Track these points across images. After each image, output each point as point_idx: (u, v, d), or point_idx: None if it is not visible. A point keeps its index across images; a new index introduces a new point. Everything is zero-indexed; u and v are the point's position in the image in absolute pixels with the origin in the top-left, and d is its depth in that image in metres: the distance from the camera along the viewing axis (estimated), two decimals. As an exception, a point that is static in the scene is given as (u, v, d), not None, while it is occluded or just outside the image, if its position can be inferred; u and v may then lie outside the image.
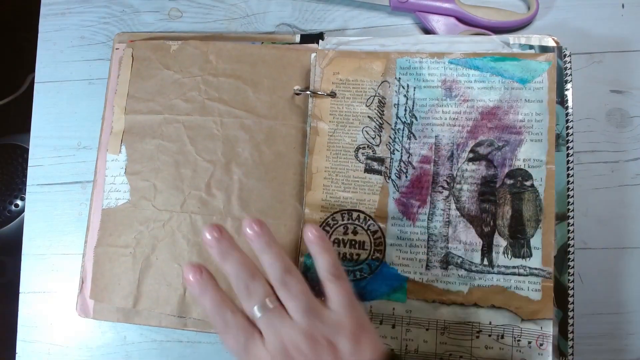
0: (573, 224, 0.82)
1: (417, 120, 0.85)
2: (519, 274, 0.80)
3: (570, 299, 0.81)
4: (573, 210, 0.82)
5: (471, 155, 0.83)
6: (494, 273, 0.81)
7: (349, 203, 0.86)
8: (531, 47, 0.85)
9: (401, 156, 0.85)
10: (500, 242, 0.81)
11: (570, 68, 0.85)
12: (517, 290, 0.80)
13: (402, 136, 0.85)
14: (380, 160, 0.85)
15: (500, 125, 0.82)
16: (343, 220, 0.86)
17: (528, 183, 0.81)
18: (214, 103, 0.93)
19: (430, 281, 0.82)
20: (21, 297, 0.99)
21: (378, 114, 0.86)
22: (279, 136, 0.91)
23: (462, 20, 0.94)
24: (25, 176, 1.03)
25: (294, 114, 0.91)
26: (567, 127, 0.84)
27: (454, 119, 0.84)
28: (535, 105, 0.82)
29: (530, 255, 0.80)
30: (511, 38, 0.86)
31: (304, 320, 0.68)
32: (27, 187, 1.02)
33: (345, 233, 0.85)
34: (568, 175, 0.83)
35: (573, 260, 0.81)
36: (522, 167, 0.81)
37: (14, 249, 1.07)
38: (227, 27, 1.03)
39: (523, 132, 0.82)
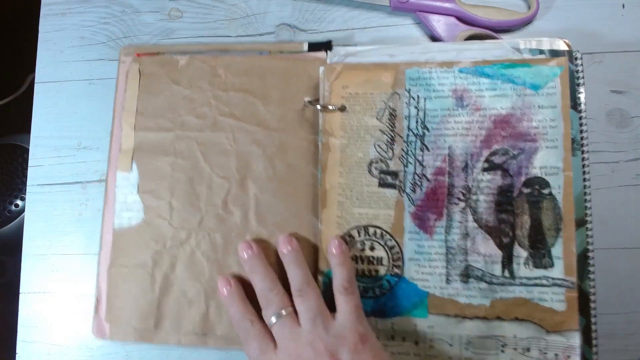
0: (592, 229, 0.80)
1: (429, 131, 0.84)
2: (542, 285, 0.78)
3: (593, 305, 0.78)
4: (591, 215, 0.80)
5: (486, 165, 0.81)
6: (515, 285, 0.79)
7: (364, 219, 0.85)
8: (542, 51, 0.83)
9: (415, 169, 0.84)
10: (520, 252, 0.79)
11: (583, 71, 0.82)
12: (541, 302, 0.78)
13: (415, 148, 0.84)
14: (394, 174, 0.84)
15: (514, 133, 0.81)
16: (359, 236, 0.85)
17: (546, 191, 0.79)
18: (225, 118, 0.92)
19: (451, 295, 0.81)
20: (21, 297, 0.99)
21: (389, 126, 0.85)
22: (290, 148, 0.90)
23: (462, 19, 0.93)
24: (25, 176, 1.02)
25: (304, 125, 0.90)
26: (582, 131, 0.81)
27: (466, 128, 0.83)
28: (548, 112, 0.80)
29: (552, 265, 0.78)
30: (521, 42, 0.84)
31: (310, 327, 0.75)
32: (27, 187, 1.01)
33: (363, 249, 0.85)
34: (584, 179, 0.80)
35: (594, 265, 0.79)
36: (539, 175, 0.80)
37: (14, 249, 1.07)
38: (227, 27, 1.01)
39: (538, 139, 0.80)
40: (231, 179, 0.91)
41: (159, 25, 1.03)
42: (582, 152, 0.81)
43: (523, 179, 0.80)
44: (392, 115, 0.86)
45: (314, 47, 0.94)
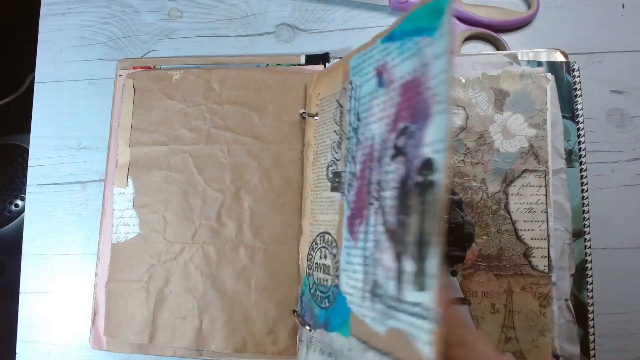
0: (590, 240, 0.76)
1: (360, 122, 0.65)
2: (419, 315, 0.46)
3: (591, 316, 0.73)
4: (589, 226, 0.75)
5: (393, 152, 0.55)
6: (401, 311, 0.49)
7: (322, 225, 0.73)
8: (539, 63, 0.77)
9: (350, 167, 0.66)
10: (407, 266, 0.49)
11: (580, 82, 0.77)
12: (412, 340, 0.46)
13: (353, 144, 0.66)
14: (339, 176, 0.70)
15: (415, 102, 0.52)
16: (319, 244, 0.73)
17: (432, 177, 0.47)
18: (219, 131, 0.85)
19: (363, 316, 0.57)
20: (21, 297, 0.95)
21: (340, 125, 0.71)
22: (287, 161, 0.82)
23: (462, 19, 0.88)
24: (25, 176, 1.00)
25: (301, 137, 0.83)
26: (579, 142, 0.75)
27: (382, 110, 0.59)
28: (441, 62, 0.48)
29: (424, 288, 0.46)
30: (519, 54, 0.77)
31: None
32: (27, 187, 0.99)
33: (320, 257, 0.71)
34: (582, 190, 0.74)
35: (591, 277, 0.75)
36: (429, 154, 0.48)
37: (14, 249, 1.04)
38: (227, 27, 0.96)
39: (431, 105, 0.48)
40: (225, 192, 0.83)
41: (158, 25, 0.99)
42: (581, 163, 0.75)
43: (418, 163, 0.49)
44: (341, 113, 0.71)
45: (312, 59, 0.87)
